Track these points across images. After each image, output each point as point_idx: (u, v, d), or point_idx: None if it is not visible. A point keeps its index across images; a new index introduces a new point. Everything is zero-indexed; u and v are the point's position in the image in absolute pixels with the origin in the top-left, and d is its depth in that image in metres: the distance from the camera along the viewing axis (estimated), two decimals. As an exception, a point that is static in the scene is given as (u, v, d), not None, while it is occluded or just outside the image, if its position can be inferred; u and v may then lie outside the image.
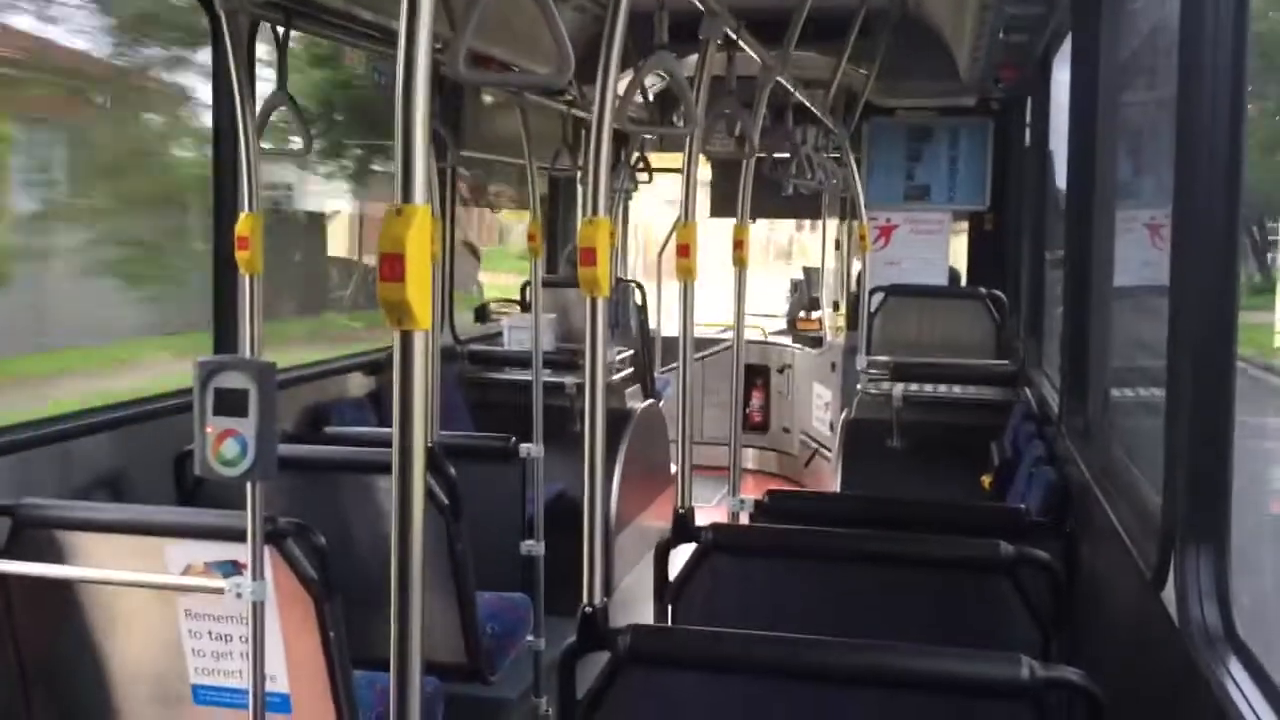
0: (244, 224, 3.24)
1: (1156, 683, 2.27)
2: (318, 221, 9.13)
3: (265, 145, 3.59)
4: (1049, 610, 2.62)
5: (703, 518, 2.97)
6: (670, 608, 2.79)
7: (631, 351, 7.00)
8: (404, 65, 1.48)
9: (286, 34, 3.70)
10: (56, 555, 2.85)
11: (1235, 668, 1.86)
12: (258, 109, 3.47)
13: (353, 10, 4.26)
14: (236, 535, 2.63)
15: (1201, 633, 1.96)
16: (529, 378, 4.62)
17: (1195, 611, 1.99)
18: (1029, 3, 4.36)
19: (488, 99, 6.45)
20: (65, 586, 2.88)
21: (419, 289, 1.46)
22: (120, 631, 2.90)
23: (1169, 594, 2.10)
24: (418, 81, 1.47)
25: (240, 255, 3.24)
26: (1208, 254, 2.08)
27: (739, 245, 3.56)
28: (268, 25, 3.80)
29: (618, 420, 6.02)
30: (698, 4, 2.93)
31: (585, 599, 2.18)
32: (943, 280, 7.93)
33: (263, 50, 4.12)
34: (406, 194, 1.47)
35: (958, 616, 2.74)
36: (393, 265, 1.44)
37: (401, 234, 1.45)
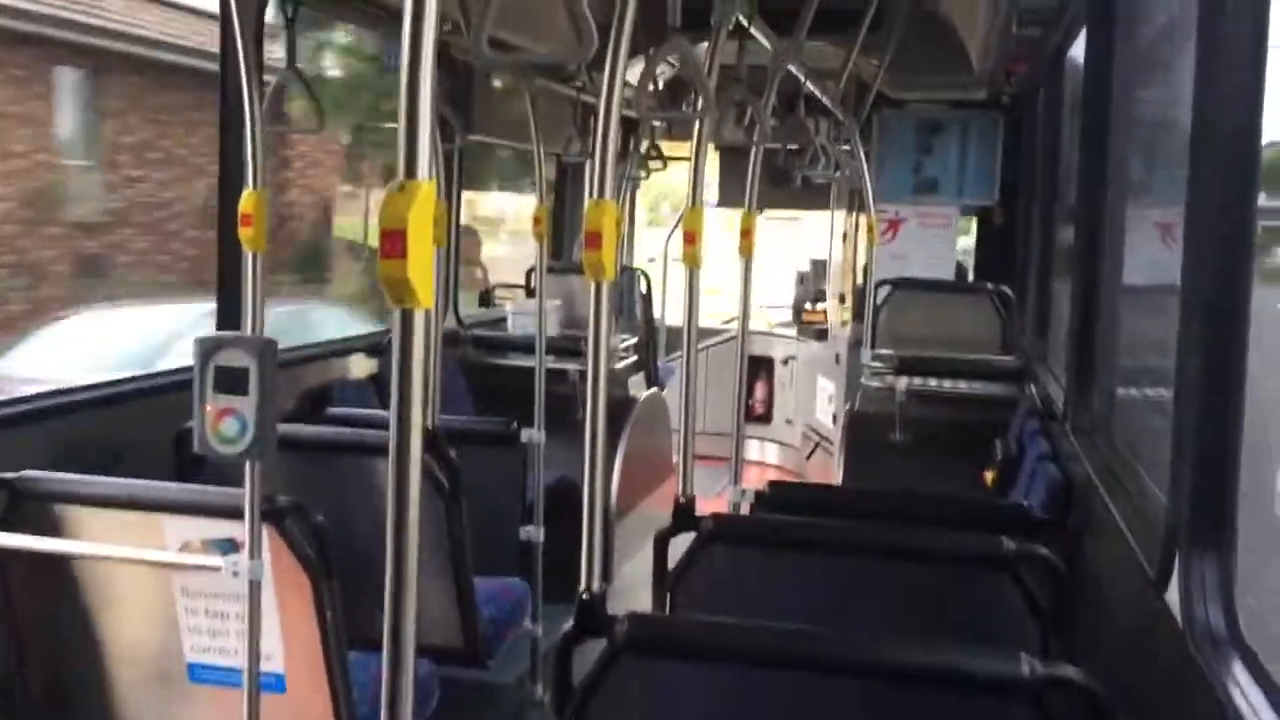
0: (248, 201, 3.22)
1: (1159, 684, 2.25)
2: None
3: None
4: (1050, 608, 2.61)
5: (704, 508, 2.95)
6: (669, 596, 2.78)
7: (635, 339, 6.98)
8: (409, 41, 1.46)
9: (296, 11, 3.68)
10: (54, 529, 2.84)
11: (1239, 671, 1.84)
12: (266, 86, 3.45)
13: None
14: (234, 513, 2.62)
15: (1205, 635, 1.94)
16: (532, 363, 4.61)
17: (1199, 613, 1.97)
18: None
19: (497, 83, 6.43)
20: (62, 561, 2.87)
21: (421, 267, 1.45)
22: (116, 607, 2.89)
23: (1173, 595, 2.09)
24: (423, 57, 1.45)
25: (244, 232, 3.22)
26: (1220, 253, 2.06)
27: (746, 235, 3.54)
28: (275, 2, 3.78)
29: (620, 408, 6.01)
30: None
31: (583, 585, 2.17)
32: (950, 275, 7.90)
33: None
34: (410, 169, 1.46)
35: (958, 612, 2.72)
36: (394, 241, 1.43)
37: (403, 210, 1.43)
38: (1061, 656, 2.56)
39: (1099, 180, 3.88)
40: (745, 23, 3.27)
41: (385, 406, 4.83)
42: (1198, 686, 1.89)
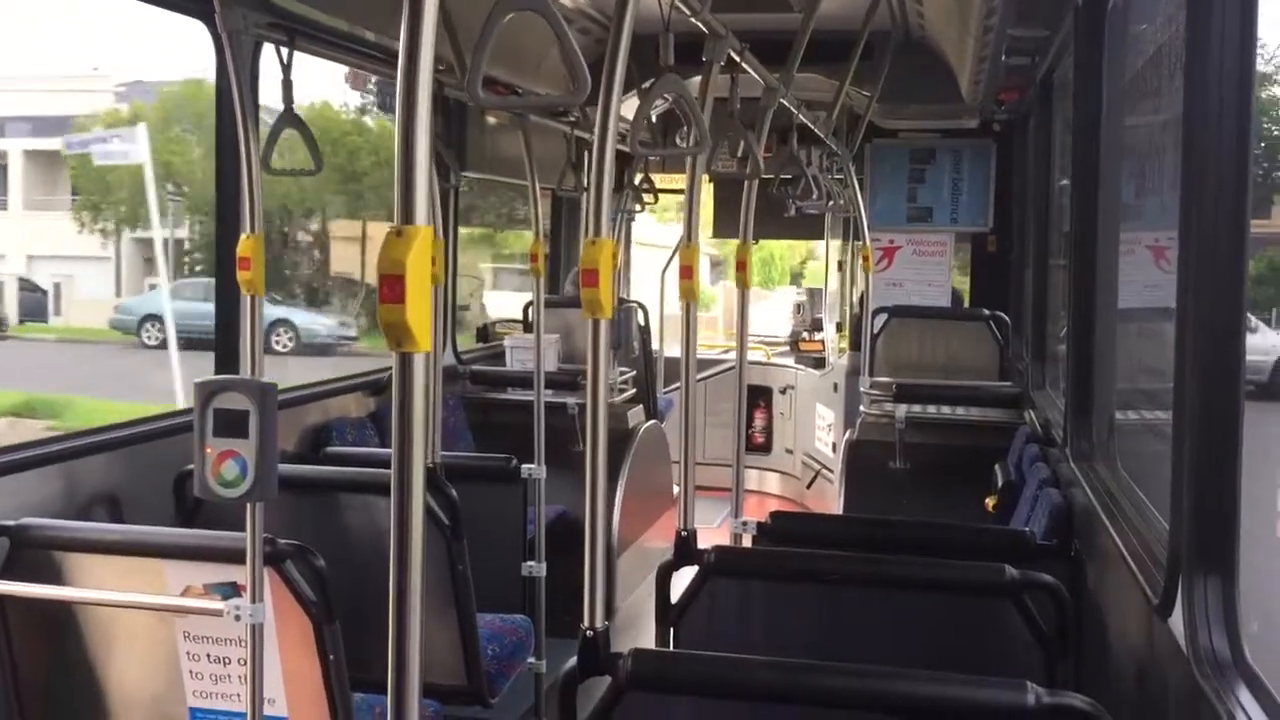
0: (245, 245, 3.23)
1: (1164, 710, 2.24)
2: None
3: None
4: (1054, 635, 2.60)
5: (705, 539, 2.95)
6: (672, 630, 2.77)
7: (634, 372, 6.99)
8: (404, 85, 1.47)
9: (291, 55, 3.70)
10: (55, 576, 2.83)
11: (1245, 697, 1.84)
12: (262, 130, 3.47)
13: (357, 31, 4.26)
14: (236, 557, 2.61)
15: (1210, 661, 1.94)
16: (531, 398, 4.61)
17: (1204, 639, 1.96)
18: (1031, 25, 4.37)
19: (491, 120, 6.46)
20: (63, 607, 2.86)
21: (419, 311, 1.45)
22: (118, 653, 2.88)
23: (1176, 620, 2.08)
24: (419, 101, 1.46)
25: (242, 276, 3.23)
26: (1214, 276, 2.06)
27: (741, 267, 3.56)
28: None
29: (620, 440, 6.00)
30: (701, 26, 2.93)
31: (586, 622, 2.16)
32: (946, 301, 7.93)
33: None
34: (407, 215, 1.46)
35: (962, 640, 2.71)
36: (392, 287, 1.43)
37: (401, 255, 1.44)
38: (1066, 684, 2.55)
39: (1091, 205, 3.90)
40: (737, 58, 3.29)
41: (385, 443, 4.84)
42: (1203, 712, 1.89)
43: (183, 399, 13.09)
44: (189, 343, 21.33)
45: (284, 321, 23.20)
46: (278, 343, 22.61)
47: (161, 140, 24.49)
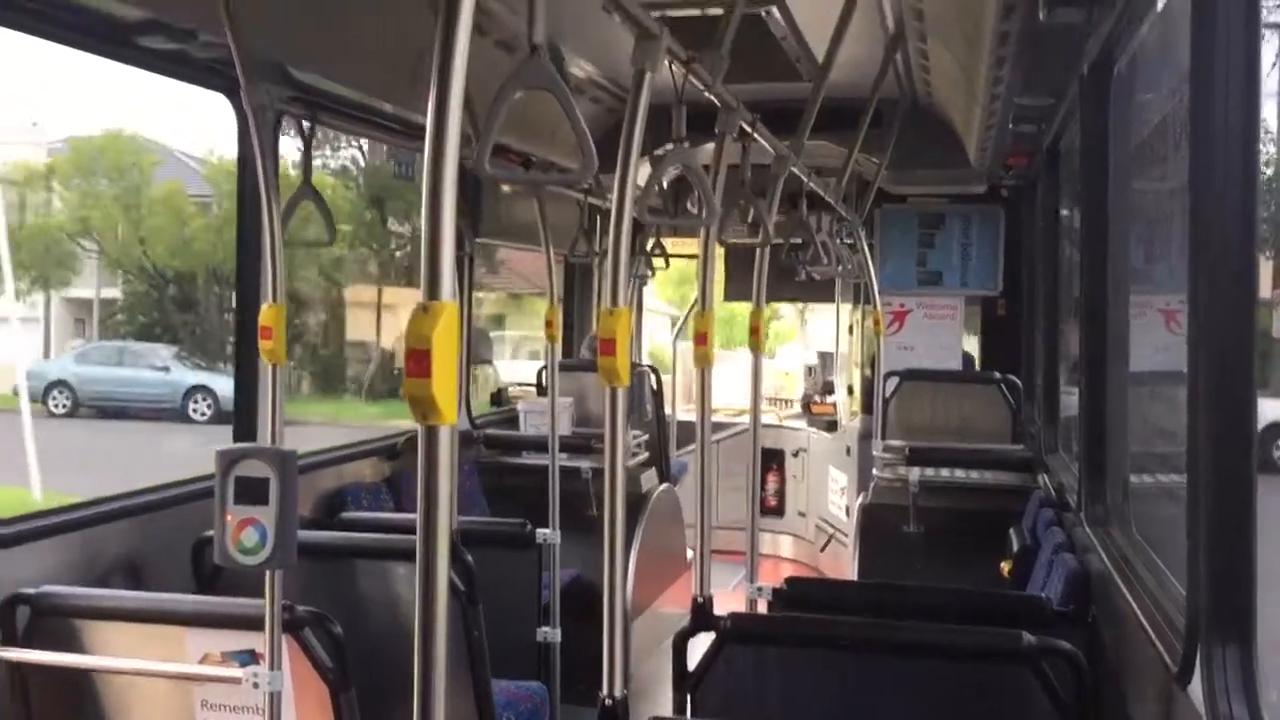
0: (267, 314, 3.27)
1: None
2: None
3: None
4: (1072, 703, 2.59)
5: (719, 603, 2.95)
6: (689, 698, 2.77)
7: (646, 435, 7.00)
8: (431, 163, 1.49)
9: (312, 129, 3.77)
10: (75, 643, 2.84)
11: None
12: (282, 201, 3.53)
13: (376, 104, 4.35)
14: (254, 624, 2.62)
15: None
16: (545, 462, 4.63)
17: (1223, 708, 1.96)
18: (1037, 93, 4.43)
19: (505, 187, 6.55)
20: (83, 675, 2.87)
21: (445, 385, 1.47)
22: None
23: (1196, 689, 2.07)
24: (445, 180, 1.48)
25: (263, 345, 3.27)
26: (1224, 342, 2.08)
27: (755, 332, 3.59)
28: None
29: (634, 504, 6.00)
30: (713, 99, 2.99)
31: (605, 690, 2.16)
32: (957, 364, 7.94)
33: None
34: (433, 291, 1.48)
35: (979, 708, 2.70)
36: (419, 361, 1.45)
37: (428, 331, 1.46)
38: None
39: (1100, 269, 3.93)
40: (749, 128, 3.35)
41: (400, 508, 4.84)
42: None
43: (38, 483, 12.27)
44: (102, 412, 21.00)
45: (202, 388, 21.78)
46: (195, 410, 21.43)
47: (78, 194, 23.89)
